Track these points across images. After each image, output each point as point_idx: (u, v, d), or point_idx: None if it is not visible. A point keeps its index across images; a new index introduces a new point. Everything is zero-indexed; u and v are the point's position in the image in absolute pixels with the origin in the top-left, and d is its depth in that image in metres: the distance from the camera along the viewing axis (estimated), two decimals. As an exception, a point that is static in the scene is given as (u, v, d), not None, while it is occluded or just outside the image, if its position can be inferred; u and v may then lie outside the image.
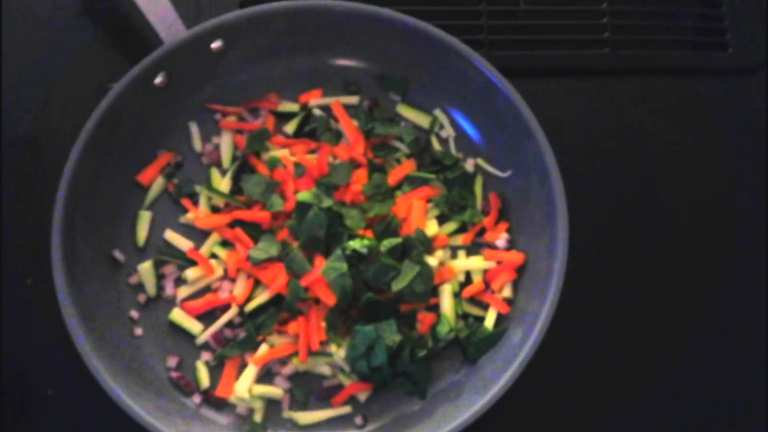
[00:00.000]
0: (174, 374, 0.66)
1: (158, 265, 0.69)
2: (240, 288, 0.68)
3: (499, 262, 0.68)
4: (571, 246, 0.63)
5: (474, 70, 0.68)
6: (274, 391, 0.66)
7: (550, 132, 0.66)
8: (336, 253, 0.65)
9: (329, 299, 0.65)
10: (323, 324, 0.65)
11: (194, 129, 0.73)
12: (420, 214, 0.68)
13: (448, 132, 0.73)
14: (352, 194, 0.69)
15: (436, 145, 0.73)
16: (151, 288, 0.69)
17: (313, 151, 0.72)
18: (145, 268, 0.68)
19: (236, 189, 0.71)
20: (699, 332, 0.70)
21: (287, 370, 0.67)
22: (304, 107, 0.73)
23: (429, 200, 0.70)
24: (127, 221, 0.70)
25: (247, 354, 0.67)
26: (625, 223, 0.73)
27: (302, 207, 0.67)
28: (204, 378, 0.66)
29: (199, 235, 0.70)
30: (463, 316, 0.68)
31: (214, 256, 0.69)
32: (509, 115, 0.67)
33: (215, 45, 0.70)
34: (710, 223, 0.73)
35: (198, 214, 0.70)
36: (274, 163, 0.70)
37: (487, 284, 0.69)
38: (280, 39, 0.72)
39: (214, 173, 0.72)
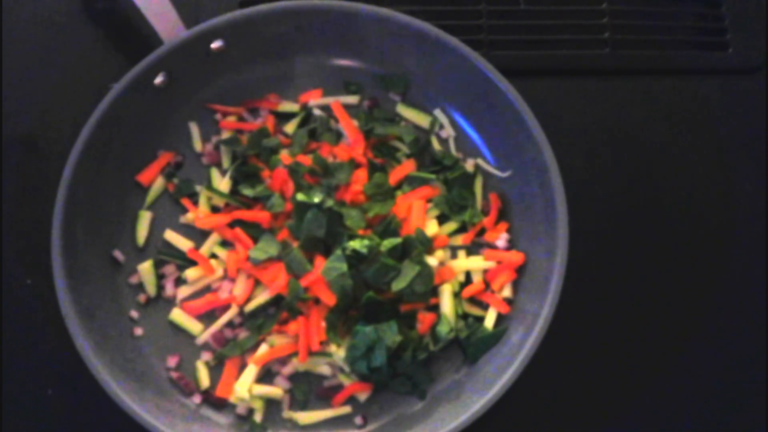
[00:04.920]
0: (174, 374, 0.66)
1: (158, 265, 0.69)
2: (240, 288, 0.68)
3: (499, 262, 0.68)
4: (571, 246, 0.63)
5: (474, 70, 0.68)
6: (274, 391, 0.66)
7: (550, 132, 0.66)
8: (336, 253, 0.65)
9: (329, 299, 0.65)
10: (323, 324, 0.65)
11: (194, 129, 0.73)
12: (420, 214, 0.68)
13: (448, 132, 0.73)
14: (352, 194, 0.69)
15: (436, 145, 0.73)
16: (151, 288, 0.69)
17: (313, 151, 0.72)
18: (145, 268, 0.68)
19: (236, 189, 0.71)
20: (699, 332, 0.70)
21: (287, 370, 0.67)
22: (304, 107, 0.73)
23: (429, 200, 0.70)
24: (127, 221, 0.70)
25: (247, 354, 0.67)
26: (624, 222, 0.73)
27: (302, 207, 0.67)
28: (204, 378, 0.66)
29: (199, 235, 0.70)
30: (463, 316, 0.68)
31: (214, 256, 0.69)
32: (509, 115, 0.67)
33: (215, 45, 0.70)
34: (710, 223, 0.73)
35: (198, 214, 0.70)
36: (274, 163, 0.70)
37: (487, 284, 0.69)
38: (280, 39, 0.72)
39: (214, 173, 0.72)
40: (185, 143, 0.73)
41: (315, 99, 0.73)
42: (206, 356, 0.67)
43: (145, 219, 0.70)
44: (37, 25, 0.77)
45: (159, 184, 0.71)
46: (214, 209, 0.71)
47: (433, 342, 0.67)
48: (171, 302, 0.69)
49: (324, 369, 0.66)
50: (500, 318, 0.68)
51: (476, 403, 0.61)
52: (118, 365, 0.63)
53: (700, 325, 0.71)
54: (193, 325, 0.68)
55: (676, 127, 0.76)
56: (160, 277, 0.69)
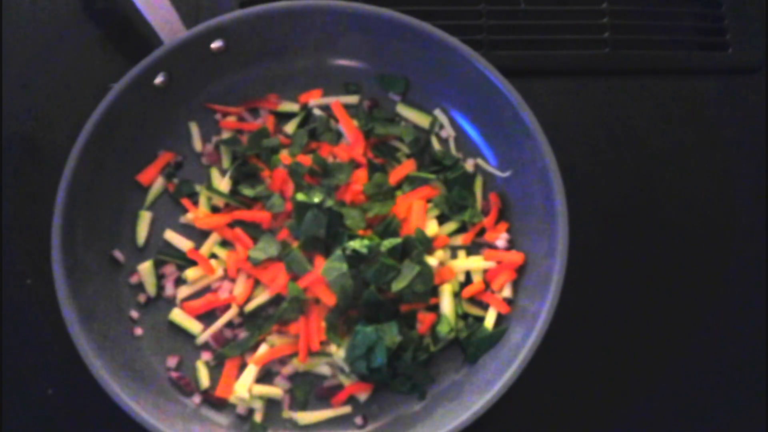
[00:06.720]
0: (174, 374, 0.66)
1: (158, 265, 0.69)
2: (240, 288, 0.68)
3: (499, 262, 0.68)
4: (571, 246, 0.63)
5: (474, 70, 0.68)
6: (274, 391, 0.66)
7: (550, 132, 0.66)
8: (336, 253, 0.65)
9: (329, 299, 0.65)
10: (323, 324, 0.65)
11: (194, 129, 0.73)
12: (420, 214, 0.68)
13: (448, 132, 0.73)
14: (352, 194, 0.69)
15: (436, 145, 0.73)
16: (151, 288, 0.69)
17: (313, 151, 0.72)
18: (145, 268, 0.68)
19: (236, 189, 0.71)
20: (699, 332, 0.70)
21: (287, 370, 0.67)
22: (304, 107, 0.73)
23: (429, 200, 0.70)
24: (127, 221, 0.70)
25: (247, 354, 0.67)
26: (624, 222, 0.73)
27: (302, 207, 0.67)
28: (204, 378, 0.66)
29: (199, 235, 0.70)
30: (463, 316, 0.68)
31: (214, 256, 0.69)
32: (509, 115, 0.67)
33: (215, 45, 0.70)
34: (710, 223, 0.73)
35: (198, 214, 0.70)
36: (274, 163, 0.70)
37: (487, 284, 0.69)
38: (280, 39, 0.72)
39: (214, 173, 0.72)
40: (185, 143, 0.73)
41: (315, 99, 0.73)
42: (206, 356, 0.67)
43: (145, 219, 0.70)
44: (37, 25, 0.77)
45: (159, 184, 0.71)
46: (214, 209, 0.71)
47: (433, 342, 0.67)
48: (171, 302, 0.69)
49: (324, 369, 0.66)
50: (500, 318, 0.68)
51: (476, 403, 0.61)
52: (118, 365, 0.63)
53: (700, 325, 0.71)
54: (193, 325, 0.68)
55: (676, 127, 0.76)
56: (160, 277, 0.69)
